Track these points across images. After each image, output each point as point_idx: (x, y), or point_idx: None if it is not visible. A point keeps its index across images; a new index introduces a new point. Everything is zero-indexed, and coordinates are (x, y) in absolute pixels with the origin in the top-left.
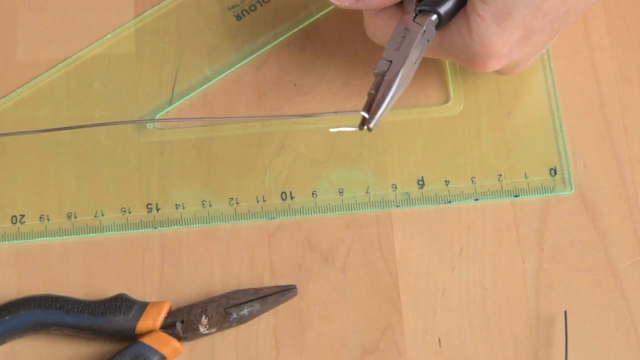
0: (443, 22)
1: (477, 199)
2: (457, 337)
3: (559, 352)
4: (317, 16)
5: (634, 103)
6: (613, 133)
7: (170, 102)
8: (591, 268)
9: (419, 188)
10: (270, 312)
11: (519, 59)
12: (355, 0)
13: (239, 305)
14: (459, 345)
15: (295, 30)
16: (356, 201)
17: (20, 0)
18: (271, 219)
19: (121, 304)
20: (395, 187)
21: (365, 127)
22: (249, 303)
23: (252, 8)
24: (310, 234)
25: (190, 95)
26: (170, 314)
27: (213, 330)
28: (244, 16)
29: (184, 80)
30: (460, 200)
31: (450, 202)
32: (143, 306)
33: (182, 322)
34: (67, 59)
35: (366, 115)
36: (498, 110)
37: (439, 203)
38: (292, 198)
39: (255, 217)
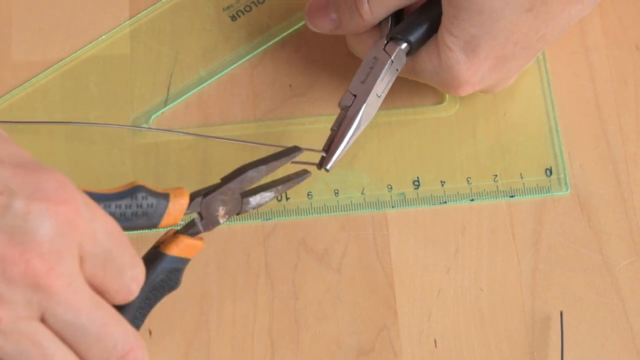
0: (414, 49)
1: (472, 200)
2: (453, 338)
3: (554, 353)
4: None
5: (630, 103)
6: (609, 133)
7: (166, 103)
8: (587, 268)
9: (415, 189)
10: (266, 313)
11: (496, 82)
12: (334, 27)
13: (254, 192)
14: (455, 346)
15: (291, 31)
16: (352, 202)
17: (15, 1)
18: (267, 220)
19: (141, 202)
20: (391, 188)
21: (322, 168)
22: (263, 192)
23: (247, 9)
24: (305, 235)
25: (186, 96)
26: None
27: (229, 218)
28: (239, 17)
29: (179, 81)
30: (456, 200)
31: (445, 202)
32: (165, 201)
33: (200, 217)
34: (62, 60)
35: (325, 155)
36: (493, 111)
37: (435, 204)
38: (287, 199)
39: (250, 218)
